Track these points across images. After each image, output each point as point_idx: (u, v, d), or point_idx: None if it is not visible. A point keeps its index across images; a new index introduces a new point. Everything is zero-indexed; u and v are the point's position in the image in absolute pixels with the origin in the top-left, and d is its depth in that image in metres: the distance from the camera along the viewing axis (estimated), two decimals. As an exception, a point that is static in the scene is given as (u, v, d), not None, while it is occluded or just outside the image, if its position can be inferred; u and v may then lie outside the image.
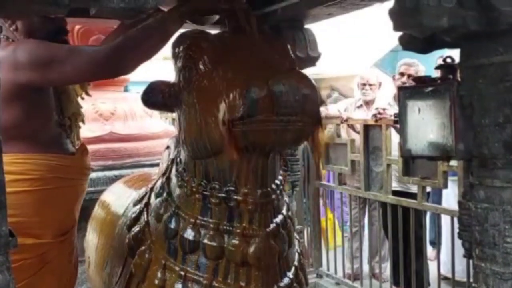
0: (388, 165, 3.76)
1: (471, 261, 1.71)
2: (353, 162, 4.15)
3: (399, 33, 1.62)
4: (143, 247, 1.84)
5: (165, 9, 1.89)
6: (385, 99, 4.63)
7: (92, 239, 2.44)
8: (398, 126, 1.94)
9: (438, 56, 1.93)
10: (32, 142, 2.00)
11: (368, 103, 4.81)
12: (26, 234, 1.91)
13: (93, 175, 3.66)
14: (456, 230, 1.78)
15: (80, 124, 2.33)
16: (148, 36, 1.83)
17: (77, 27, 3.85)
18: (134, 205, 2.03)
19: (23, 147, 1.96)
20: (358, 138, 4.17)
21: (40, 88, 1.98)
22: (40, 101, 2.01)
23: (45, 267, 2.07)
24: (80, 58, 1.85)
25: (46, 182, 2.02)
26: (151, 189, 1.98)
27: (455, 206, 2.14)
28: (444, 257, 4.24)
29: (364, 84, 4.82)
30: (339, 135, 4.48)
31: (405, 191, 3.99)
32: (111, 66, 1.87)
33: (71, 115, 2.23)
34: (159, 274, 1.75)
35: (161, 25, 1.83)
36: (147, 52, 1.86)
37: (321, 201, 4.77)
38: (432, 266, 3.91)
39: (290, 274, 1.77)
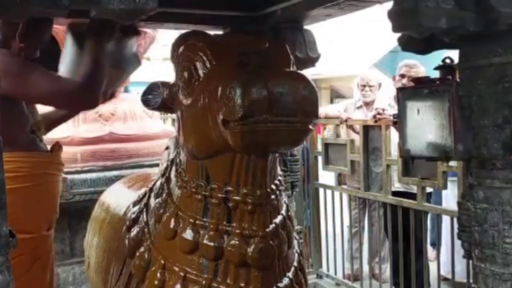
0: (388, 166, 3.76)
1: (471, 262, 1.71)
2: (352, 162, 4.15)
3: (399, 34, 1.62)
4: (142, 248, 1.84)
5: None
6: (385, 100, 4.63)
7: (91, 239, 2.44)
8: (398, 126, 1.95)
9: (436, 57, 1.93)
10: (14, 145, 2.03)
11: (367, 104, 4.81)
12: (18, 230, 1.94)
13: (93, 175, 3.69)
14: (456, 231, 1.78)
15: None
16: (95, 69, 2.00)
17: (77, 28, 3.85)
18: (134, 205, 2.04)
19: (8, 149, 1.99)
20: (357, 139, 4.17)
21: (14, 99, 2.03)
22: (15, 110, 2.07)
23: (37, 263, 2.10)
24: (53, 83, 1.99)
25: (34, 178, 2.10)
26: (151, 189, 1.98)
27: (454, 207, 2.14)
28: (444, 257, 4.24)
29: (364, 86, 4.82)
30: (338, 136, 4.49)
31: (408, 191, 3.99)
32: (81, 102, 2.06)
33: (34, 124, 2.29)
34: (158, 275, 1.75)
35: (89, 54, 2.01)
36: (103, 84, 2.03)
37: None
38: (432, 267, 3.91)
39: (290, 275, 1.77)
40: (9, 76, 1.91)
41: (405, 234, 3.72)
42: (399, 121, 1.80)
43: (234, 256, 1.64)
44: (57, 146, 2.30)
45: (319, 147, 4.61)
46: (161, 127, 4.41)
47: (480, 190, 1.58)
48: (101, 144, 3.89)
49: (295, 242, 1.87)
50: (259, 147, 1.55)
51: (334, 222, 4.60)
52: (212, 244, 1.66)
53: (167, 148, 2.04)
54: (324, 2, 2.15)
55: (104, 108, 4.03)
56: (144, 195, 2.01)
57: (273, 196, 1.69)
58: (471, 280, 2.17)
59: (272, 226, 1.68)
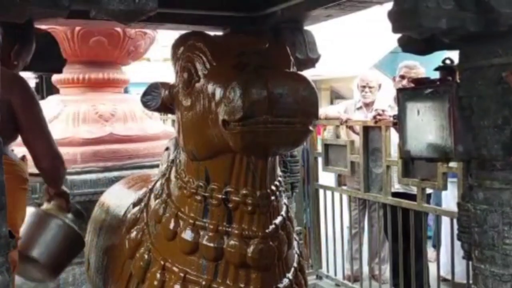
0: (388, 167, 3.76)
1: (470, 263, 1.71)
2: (352, 163, 4.14)
3: (399, 35, 1.62)
4: (142, 248, 1.84)
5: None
6: (385, 101, 4.63)
7: (91, 240, 2.44)
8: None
9: (437, 57, 1.94)
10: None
11: (367, 105, 4.81)
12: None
13: (93, 176, 3.69)
14: (456, 232, 1.78)
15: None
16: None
17: (77, 28, 3.86)
18: (134, 206, 2.03)
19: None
20: (357, 139, 4.16)
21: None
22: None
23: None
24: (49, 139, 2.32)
25: (22, 181, 2.24)
26: (151, 190, 1.98)
27: (454, 208, 2.14)
28: (444, 258, 4.24)
29: (364, 87, 4.81)
30: (338, 137, 4.49)
31: (407, 192, 3.99)
32: (55, 165, 2.35)
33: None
34: (158, 275, 1.75)
35: None
36: None
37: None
38: (432, 268, 3.91)
39: (290, 276, 1.77)
40: (32, 121, 2.24)
41: (405, 235, 3.72)
42: (399, 122, 1.80)
43: (234, 257, 1.64)
44: (24, 157, 2.40)
45: (319, 148, 4.61)
46: (161, 128, 4.41)
47: (480, 191, 1.58)
48: (101, 145, 3.89)
49: (295, 243, 1.87)
50: (259, 148, 1.54)
51: (334, 223, 4.60)
52: (212, 245, 1.66)
53: (167, 149, 2.04)
54: (324, 2, 2.15)
55: (104, 109, 4.04)
56: (144, 196, 2.01)
57: (273, 197, 1.68)
58: (471, 281, 2.17)
59: (272, 227, 1.68)
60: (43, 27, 2.67)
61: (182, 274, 1.70)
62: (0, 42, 1.92)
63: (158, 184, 1.93)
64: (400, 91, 1.85)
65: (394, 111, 3.61)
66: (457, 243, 1.83)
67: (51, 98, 4.41)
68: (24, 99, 2.21)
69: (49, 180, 2.43)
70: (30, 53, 2.41)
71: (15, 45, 2.28)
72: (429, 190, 3.84)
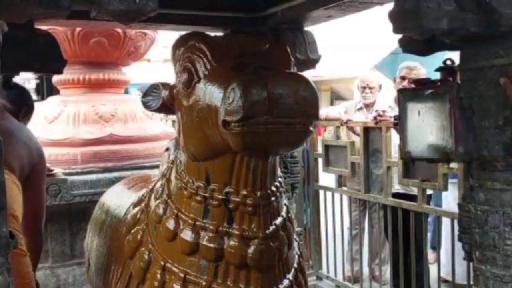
0: (388, 167, 3.76)
1: (471, 264, 1.71)
2: (353, 164, 4.15)
3: (399, 35, 1.62)
4: (142, 249, 1.84)
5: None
6: (385, 102, 4.63)
7: (92, 240, 2.44)
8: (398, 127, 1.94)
9: (437, 58, 1.94)
10: None
11: (368, 106, 4.81)
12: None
13: (93, 177, 3.69)
14: (456, 233, 1.77)
15: None
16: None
17: (77, 29, 3.86)
18: (134, 206, 2.03)
19: None
20: (358, 140, 4.16)
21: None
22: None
23: None
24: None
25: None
26: (151, 190, 1.98)
27: (455, 209, 2.14)
28: (444, 259, 4.24)
29: (364, 87, 4.82)
30: (339, 137, 4.49)
31: (408, 193, 3.98)
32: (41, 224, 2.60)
33: None
34: (158, 276, 1.75)
35: None
36: None
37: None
38: (432, 269, 3.91)
39: (290, 276, 1.77)
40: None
41: (405, 236, 3.72)
42: (400, 122, 1.79)
43: (234, 257, 1.64)
44: None
45: (320, 149, 4.61)
46: (161, 129, 4.41)
47: (481, 192, 1.58)
48: (101, 145, 3.89)
49: (295, 244, 1.86)
50: (259, 148, 1.54)
51: (334, 223, 4.60)
52: (212, 245, 1.66)
53: (167, 149, 2.04)
54: (325, 3, 2.14)
55: (104, 109, 4.04)
56: (144, 197, 2.01)
57: (273, 198, 1.68)
58: (471, 282, 2.17)
59: (272, 227, 1.67)
60: (43, 27, 2.66)
61: (182, 275, 1.70)
62: (0, 42, 1.92)
63: (158, 184, 1.93)
64: (400, 91, 1.85)
65: (395, 112, 3.61)
66: (458, 244, 1.83)
67: (52, 99, 4.42)
68: (43, 168, 2.59)
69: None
70: (32, 115, 2.81)
71: (22, 109, 2.66)
72: (429, 191, 3.84)
